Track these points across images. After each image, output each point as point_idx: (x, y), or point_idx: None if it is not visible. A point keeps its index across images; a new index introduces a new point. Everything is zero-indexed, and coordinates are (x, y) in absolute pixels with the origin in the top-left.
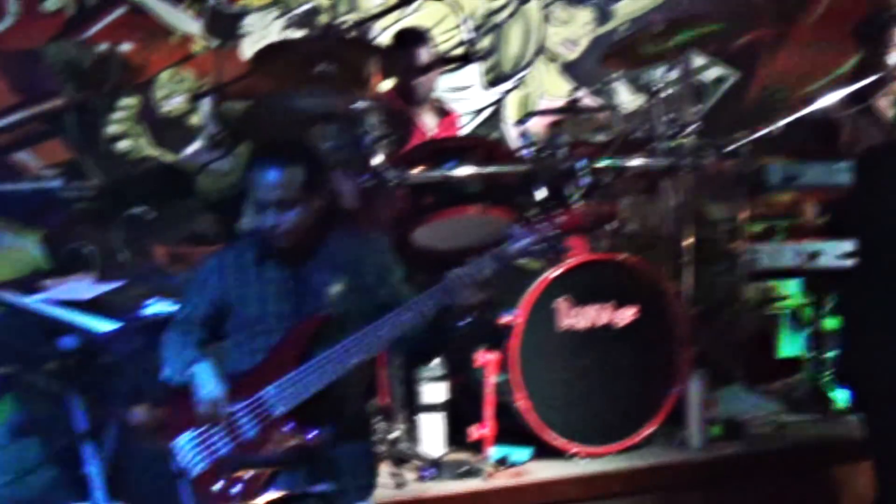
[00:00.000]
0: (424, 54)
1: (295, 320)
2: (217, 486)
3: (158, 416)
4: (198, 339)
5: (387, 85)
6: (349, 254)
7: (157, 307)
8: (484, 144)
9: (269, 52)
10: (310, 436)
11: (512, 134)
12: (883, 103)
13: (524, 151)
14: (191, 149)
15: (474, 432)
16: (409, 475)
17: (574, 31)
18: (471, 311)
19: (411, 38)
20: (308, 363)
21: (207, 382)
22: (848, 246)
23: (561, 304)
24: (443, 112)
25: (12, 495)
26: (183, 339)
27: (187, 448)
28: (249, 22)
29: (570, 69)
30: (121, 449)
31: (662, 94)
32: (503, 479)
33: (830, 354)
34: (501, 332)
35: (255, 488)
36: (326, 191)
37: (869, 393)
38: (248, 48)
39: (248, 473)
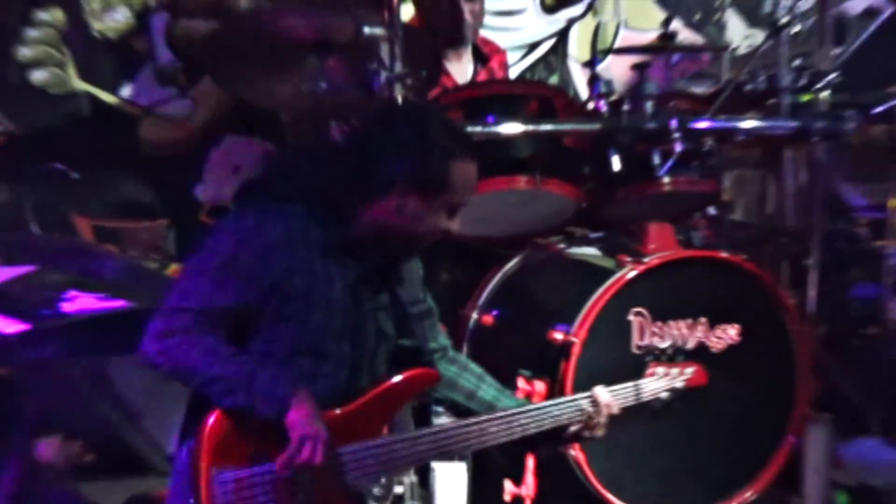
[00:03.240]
0: None
1: (361, 344)
2: None
3: (74, 450)
4: (227, 344)
5: (410, 9)
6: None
7: (81, 302)
8: (539, 93)
9: None
10: None
11: (579, 79)
12: None
13: (596, 104)
14: (133, 85)
15: (509, 490)
16: None
17: None
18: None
19: None
20: (402, 437)
21: (310, 423)
22: None
23: (636, 318)
24: (485, 55)
25: None
26: (222, 348)
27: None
28: None
29: None
30: (22, 493)
31: (789, 31)
32: None
33: None
34: (552, 353)
35: None
36: None
37: None
38: None
39: None
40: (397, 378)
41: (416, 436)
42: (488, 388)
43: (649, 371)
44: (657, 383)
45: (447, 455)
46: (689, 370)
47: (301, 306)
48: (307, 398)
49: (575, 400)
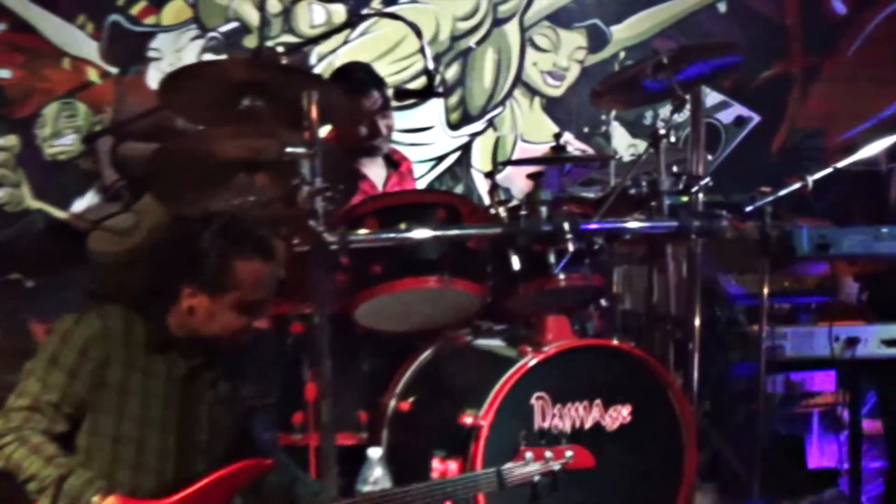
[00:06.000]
0: (374, 93)
1: (190, 435)
2: None
3: None
4: (54, 442)
5: (327, 127)
6: (249, 360)
7: None
8: (446, 201)
9: (182, 81)
10: None
11: (482, 187)
12: None
13: (496, 209)
14: (83, 201)
15: None
16: None
17: (561, 60)
18: None
19: (358, 73)
20: None
21: None
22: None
23: (538, 402)
24: (395, 161)
25: None
26: (46, 447)
27: None
28: (159, 44)
29: (555, 107)
30: None
31: (668, 140)
32: None
33: (873, 465)
34: (463, 435)
35: None
36: None
37: None
38: (156, 76)
39: None
40: (227, 468)
41: None
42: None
43: (518, 455)
44: (526, 468)
45: None
46: (569, 454)
47: (117, 397)
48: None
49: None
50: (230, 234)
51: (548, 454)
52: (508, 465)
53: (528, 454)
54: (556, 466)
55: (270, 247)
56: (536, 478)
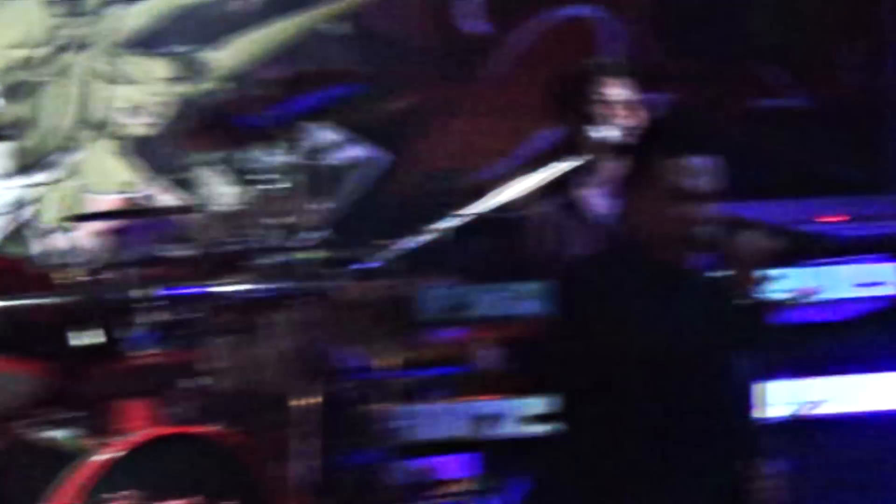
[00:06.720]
0: None
1: None
2: None
3: None
4: None
5: None
6: None
7: None
8: (2, 264)
9: None
10: None
11: (48, 247)
12: (590, 194)
13: (66, 274)
14: None
15: None
16: None
17: (147, 94)
18: None
19: None
20: None
21: None
22: (542, 405)
23: (124, 501)
24: None
25: None
26: None
27: None
28: None
29: (140, 150)
30: None
31: (271, 186)
32: None
33: None
34: None
35: None
36: None
37: None
38: None
39: None
40: None
41: None
42: None
43: None
44: None
45: None
46: None
47: None
48: None
49: None
50: None
51: None
52: None
53: None
54: None
55: None
56: None
